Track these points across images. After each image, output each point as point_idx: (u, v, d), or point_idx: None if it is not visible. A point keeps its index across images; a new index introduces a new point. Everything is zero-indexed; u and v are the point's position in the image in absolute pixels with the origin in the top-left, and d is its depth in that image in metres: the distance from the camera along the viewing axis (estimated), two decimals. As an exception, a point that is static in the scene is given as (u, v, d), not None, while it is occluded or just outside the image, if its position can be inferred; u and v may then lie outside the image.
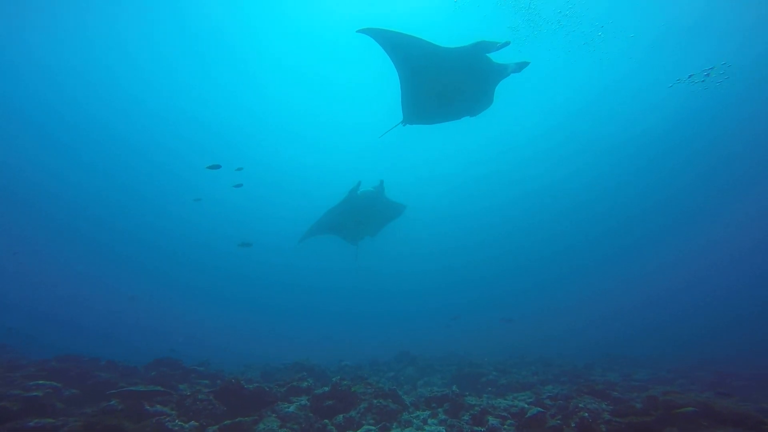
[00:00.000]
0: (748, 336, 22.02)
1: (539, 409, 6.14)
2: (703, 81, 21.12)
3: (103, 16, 22.22)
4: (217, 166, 11.57)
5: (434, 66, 6.97)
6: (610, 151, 29.78)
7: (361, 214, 11.36)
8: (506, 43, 6.38)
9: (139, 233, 37.53)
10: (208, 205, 35.06)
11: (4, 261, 33.27)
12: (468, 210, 38.21)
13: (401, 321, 36.63)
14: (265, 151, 35.09)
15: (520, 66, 6.65)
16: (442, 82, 7.22)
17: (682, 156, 28.18)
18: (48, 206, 33.21)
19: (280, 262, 39.01)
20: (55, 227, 34.91)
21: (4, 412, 4.97)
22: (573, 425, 5.49)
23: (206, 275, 40.61)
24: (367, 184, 10.77)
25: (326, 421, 6.00)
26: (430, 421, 6.20)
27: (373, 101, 29.08)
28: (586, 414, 5.71)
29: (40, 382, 5.90)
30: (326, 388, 6.74)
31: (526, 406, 6.62)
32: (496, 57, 6.70)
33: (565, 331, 29.75)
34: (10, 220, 32.99)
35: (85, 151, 30.92)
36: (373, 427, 5.76)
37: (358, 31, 6.66)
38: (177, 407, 6.01)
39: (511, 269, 41.83)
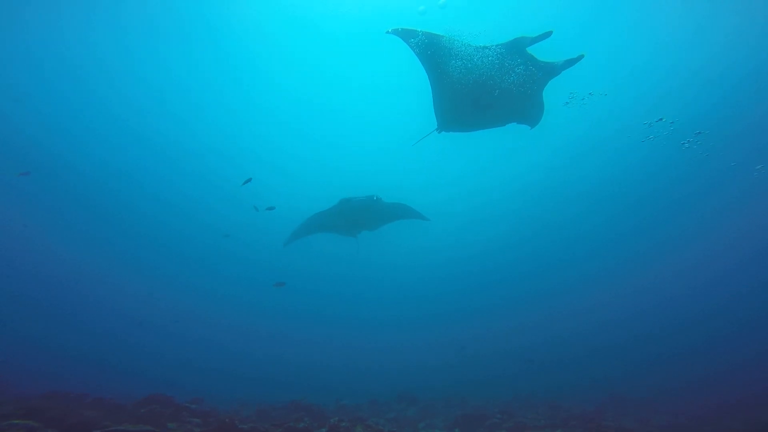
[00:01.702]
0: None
1: (550, 460, 5.70)
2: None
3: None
4: (249, 180, 11.71)
5: (469, 67, 6.32)
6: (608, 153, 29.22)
7: (356, 216, 11.07)
8: (547, 34, 5.65)
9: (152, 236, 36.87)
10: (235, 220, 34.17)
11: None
12: (466, 214, 37.33)
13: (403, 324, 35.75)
14: (287, 156, 34.20)
15: (571, 62, 5.80)
16: (480, 85, 6.48)
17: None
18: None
19: (290, 265, 37.90)
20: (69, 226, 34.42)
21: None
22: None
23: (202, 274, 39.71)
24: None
25: (321, 469, 5.62)
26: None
27: (407, 103, 28.05)
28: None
29: (15, 421, 5.49)
30: (324, 430, 6.39)
31: (536, 456, 6.16)
32: (540, 54, 5.98)
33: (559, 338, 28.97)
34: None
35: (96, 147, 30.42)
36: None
37: (388, 32, 6.42)
38: (162, 451, 5.63)
39: (502, 278, 40.44)
